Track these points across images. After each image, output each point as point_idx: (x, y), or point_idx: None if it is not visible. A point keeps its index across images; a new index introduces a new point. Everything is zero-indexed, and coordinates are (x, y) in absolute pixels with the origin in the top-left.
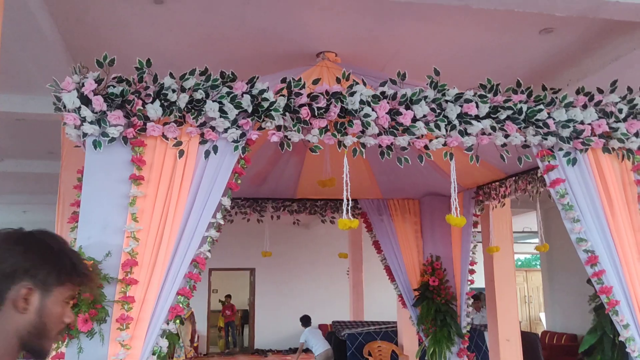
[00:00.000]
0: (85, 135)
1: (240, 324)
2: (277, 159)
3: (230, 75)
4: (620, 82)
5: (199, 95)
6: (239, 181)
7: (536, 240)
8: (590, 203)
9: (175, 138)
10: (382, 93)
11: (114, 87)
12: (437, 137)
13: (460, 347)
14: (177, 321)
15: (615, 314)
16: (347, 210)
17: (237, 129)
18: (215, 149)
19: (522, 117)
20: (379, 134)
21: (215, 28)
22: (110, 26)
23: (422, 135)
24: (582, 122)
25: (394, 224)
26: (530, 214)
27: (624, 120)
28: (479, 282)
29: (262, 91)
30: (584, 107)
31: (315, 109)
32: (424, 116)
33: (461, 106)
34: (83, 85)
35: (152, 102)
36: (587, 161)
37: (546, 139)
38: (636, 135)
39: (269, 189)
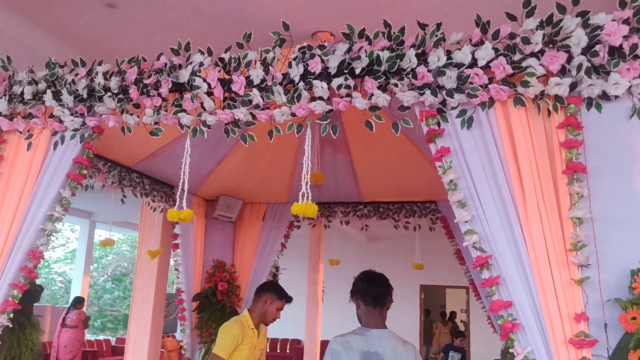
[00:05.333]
0: None
1: None
2: (318, 157)
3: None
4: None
5: (42, 86)
6: (85, 172)
7: None
8: (493, 180)
9: (28, 131)
10: (221, 60)
11: None
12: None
13: None
14: (11, 315)
15: (511, 343)
16: (183, 198)
17: (75, 117)
18: (62, 139)
19: (383, 67)
20: (224, 109)
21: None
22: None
23: (263, 106)
24: (466, 64)
25: None
26: None
27: (541, 53)
28: None
29: (96, 73)
30: (478, 44)
31: (141, 87)
32: (263, 81)
33: (305, 64)
34: None
35: (2, 97)
36: (493, 120)
37: (423, 93)
38: (562, 72)
39: (334, 193)
